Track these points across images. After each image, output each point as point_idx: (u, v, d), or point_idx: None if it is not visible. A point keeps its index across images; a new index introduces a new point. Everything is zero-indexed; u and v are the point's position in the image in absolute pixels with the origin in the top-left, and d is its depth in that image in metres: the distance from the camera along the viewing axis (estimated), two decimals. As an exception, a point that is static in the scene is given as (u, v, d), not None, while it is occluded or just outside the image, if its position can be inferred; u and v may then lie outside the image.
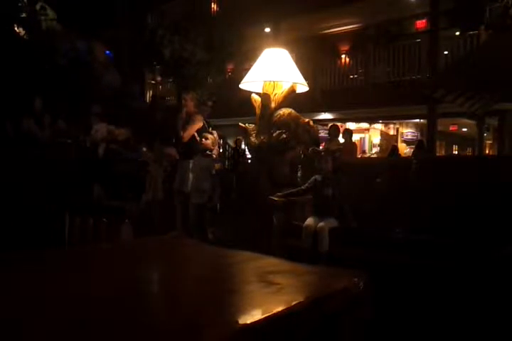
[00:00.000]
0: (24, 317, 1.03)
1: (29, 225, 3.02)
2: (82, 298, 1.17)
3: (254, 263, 1.52)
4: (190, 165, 5.06)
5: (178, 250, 1.83)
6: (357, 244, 2.84)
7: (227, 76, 12.22)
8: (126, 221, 2.68)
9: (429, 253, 2.64)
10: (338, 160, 3.28)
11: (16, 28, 10.23)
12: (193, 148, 5.19)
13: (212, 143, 5.01)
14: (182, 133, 5.32)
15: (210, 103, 10.34)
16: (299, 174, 3.72)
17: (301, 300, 1.11)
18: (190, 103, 5.58)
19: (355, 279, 1.28)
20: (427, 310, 2.46)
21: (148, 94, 14.97)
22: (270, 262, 1.56)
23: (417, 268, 2.60)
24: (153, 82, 14.83)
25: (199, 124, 5.46)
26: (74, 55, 9.85)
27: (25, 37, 10.33)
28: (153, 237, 2.17)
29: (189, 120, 5.42)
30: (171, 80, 12.39)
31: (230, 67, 12.76)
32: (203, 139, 4.86)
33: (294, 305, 1.06)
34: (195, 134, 5.34)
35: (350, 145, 8.57)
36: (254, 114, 4.02)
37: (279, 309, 1.02)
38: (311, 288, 1.29)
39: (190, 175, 4.99)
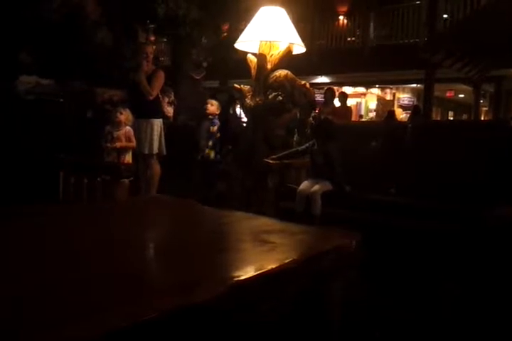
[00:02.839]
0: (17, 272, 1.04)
1: (23, 183, 3.02)
2: (71, 254, 1.18)
3: (247, 223, 1.54)
4: (151, 125, 4.71)
5: (169, 210, 1.84)
6: (349, 206, 2.87)
7: (222, 36, 11.96)
8: (122, 180, 2.67)
9: (419, 215, 2.68)
10: (331, 127, 3.26)
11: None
12: (158, 108, 4.93)
13: (217, 108, 5.40)
14: (149, 89, 4.81)
15: (205, 64, 10.17)
16: (295, 137, 3.70)
17: (294, 258, 1.12)
18: (150, 56, 5.11)
19: (348, 239, 1.30)
20: (415, 272, 2.51)
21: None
22: (264, 222, 1.57)
23: (405, 230, 2.65)
24: (146, 41, 14.49)
25: (162, 80, 5.08)
26: (66, 10, 9.55)
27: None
28: (144, 197, 2.17)
29: (151, 75, 4.95)
30: (165, 40, 12.12)
31: (225, 26, 12.46)
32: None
33: (287, 262, 1.06)
34: (159, 92, 5.02)
35: (344, 109, 8.51)
36: (250, 75, 3.96)
37: (273, 266, 1.03)
38: (304, 247, 1.30)
39: (155, 137, 4.71)
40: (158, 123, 4.76)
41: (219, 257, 1.18)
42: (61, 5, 9.46)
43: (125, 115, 4.34)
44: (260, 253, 1.19)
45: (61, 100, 5.45)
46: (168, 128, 6.19)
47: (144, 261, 1.19)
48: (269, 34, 3.69)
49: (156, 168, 4.73)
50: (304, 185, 3.06)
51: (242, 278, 0.96)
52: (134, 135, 4.45)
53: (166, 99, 6.25)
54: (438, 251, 2.53)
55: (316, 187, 2.97)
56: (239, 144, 4.10)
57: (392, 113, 11.51)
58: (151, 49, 5.27)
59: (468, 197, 2.70)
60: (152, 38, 13.27)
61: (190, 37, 9.75)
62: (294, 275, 1.07)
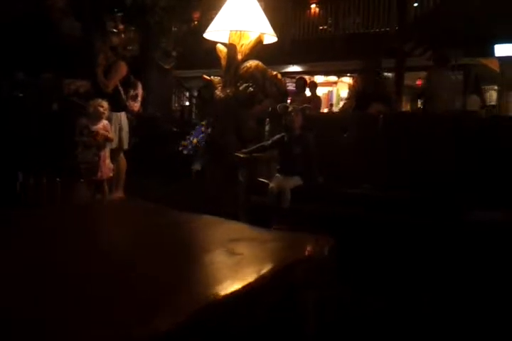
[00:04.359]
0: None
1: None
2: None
3: (214, 230, 1.44)
4: (115, 119, 4.45)
5: (129, 215, 1.73)
6: (318, 200, 2.82)
7: (192, 25, 11.73)
8: (81, 181, 2.53)
9: (386, 207, 2.64)
10: (306, 118, 3.18)
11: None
12: (118, 101, 4.57)
13: None
14: (105, 81, 4.51)
15: (174, 53, 9.95)
16: (266, 129, 3.61)
17: (264, 272, 1.03)
18: (106, 48, 4.87)
19: (321, 245, 1.21)
20: (385, 265, 2.48)
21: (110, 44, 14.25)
22: (232, 228, 1.47)
23: (372, 222, 2.61)
24: (114, 30, 14.11)
25: (123, 72, 4.76)
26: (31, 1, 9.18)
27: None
28: (102, 200, 2.06)
29: (111, 67, 4.67)
30: (133, 28, 11.82)
31: (196, 15, 12.22)
32: None
33: (257, 278, 0.98)
34: (119, 85, 4.69)
35: (314, 98, 8.47)
36: (218, 64, 3.84)
37: (240, 284, 0.94)
38: (274, 258, 1.19)
39: (121, 131, 4.48)
40: (120, 117, 4.55)
41: (181, 274, 1.06)
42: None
43: (105, 107, 4.09)
44: (227, 267, 1.10)
45: (20, 95, 5.19)
46: (136, 121, 6.02)
47: (95, 279, 1.06)
48: (240, 23, 3.57)
49: (123, 163, 4.56)
50: (275, 179, 2.99)
51: (209, 299, 0.87)
52: None
53: (131, 92, 5.96)
54: (412, 245, 2.50)
55: (287, 181, 2.91)
56: (209, 137, 4.00)
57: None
58: (115, 39, 5.02)
59: (442, 190, 2.67)
60: (121, 27, 12.95)
61: (160, 25, 9.52)
62: (264, 291, 0.99)
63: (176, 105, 12.96)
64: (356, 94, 6.77)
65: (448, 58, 7.06)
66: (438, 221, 2.40)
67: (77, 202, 2.34)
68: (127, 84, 5.15)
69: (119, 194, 4.39)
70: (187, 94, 12.57)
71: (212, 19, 3.86)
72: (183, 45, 10.33)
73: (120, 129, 4.50)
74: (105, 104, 4.09)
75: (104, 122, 4.06)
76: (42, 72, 8.00)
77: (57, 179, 2.44)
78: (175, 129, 9.34)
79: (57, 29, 9.28)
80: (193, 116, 11.94)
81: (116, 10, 10.91)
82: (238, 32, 3.73)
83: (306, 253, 1.17)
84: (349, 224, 2.50)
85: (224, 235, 1.37)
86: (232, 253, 1.16)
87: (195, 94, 13.08)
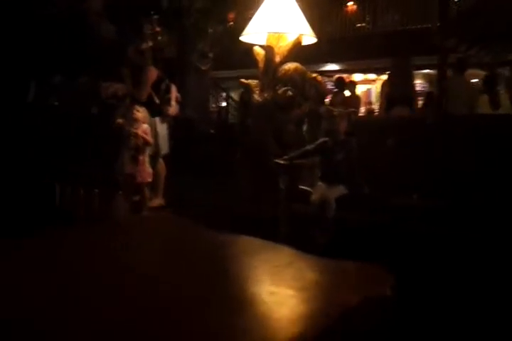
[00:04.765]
0: None
1: (20, 195, 2.86)
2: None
3: (260, 256, 1.32)
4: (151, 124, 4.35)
5: (166, 233, 1.63)
6: (365, 210, 2.67)
7: (228, 25, 11.68)
8: (120, 192, 2.48)
9: (442, 220, 2.47)
10: (351, 123, 3.04)
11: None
12: (151, 106, 4.41)
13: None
14: (136, 92, 4.37)
15: (211, 55, 9.93)
16: (304, 128, 3.49)
17: (319, 315, 0.91)
18: (137, 52, 4.67)
19: (382, 286, 1.04)
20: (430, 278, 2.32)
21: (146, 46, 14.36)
22: (279, 254, 1.35)
23: (425, 235, 2.44)
24: (151, 32, 14.23)
25: (152, 77, 4.61)
26: (67, 4, 9.34)
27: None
28: (140, 209, 1.99)
29: (140, 73, 4.53)
30: (169, 31, 11.89)
31: (231, 15, 12.18)
32: None
33: (302, 332, 0.85)
34: (151, 90, 4.51)
35: (354, 98, 8.29)
36: (254, 66, 3.75)
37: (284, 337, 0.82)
38: (327, 302, 1.02)
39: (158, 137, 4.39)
40: (155, 123, 4.50)
41: (213, 322, 0.91)
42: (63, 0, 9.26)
43: (142, 113, 4.08)
44: (277, 307, 0.97)
45: (55, 103, 5.22)
46: (173, 124, 5.98)
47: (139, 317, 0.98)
48: (278, 25, 3.46)
49: (161, 169, 4.51)
50: (318, 188, 2.87)
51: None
52: None
53: (166, 96, 5.91)
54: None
55: (331, 191, 2.78)
56: (245, 142, 3.90)
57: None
58: (151, 42, 4.95)
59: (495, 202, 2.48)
60: (157, 29, 13.03)
61: (196, 27, 9.51)
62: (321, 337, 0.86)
63: (213, 106, 12.93)
64: (385, 96, 6.59)
65: (466, 64, 6.87)
66: (498, 234, 2.23)
67: (114, 215, 2.29)
68: (161, 88, 5.09)
69: (158, 200, 4.35)
70: (224, 94, 12.55)
71: (248, 19, 3.77)
72: (220, 45, 10.30)
73: (156, 135, 4.46)
74: (142, 109, 4.07)
75: (144, 126, 4.04)
76: (79, 76, 8.13)
77: (95, 190, 2.40)
78: (212, 131, 9.32)
79: (94, 32, 9.42)
80: (230, 117, 11.94)
81: (152, 13, 11.01)
82: (276, 34, 3.62)
83: (366, 296, 1.02)
84: (398, 237, 2.35)
85: (270, 262, 1.25)
86: (272, 292, 1.04)
87: (232, 95, 13.06)
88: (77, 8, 8.83)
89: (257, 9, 3.66)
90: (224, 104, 12.62)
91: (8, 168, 2.96)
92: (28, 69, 8.32)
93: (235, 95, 13.57)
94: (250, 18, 3.73)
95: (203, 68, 9.84)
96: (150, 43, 5.12)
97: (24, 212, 2.67)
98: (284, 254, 1.37)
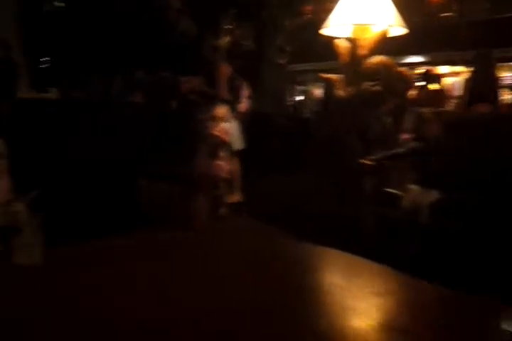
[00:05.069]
0: None
1: (102, 191, 2.88)
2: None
3: (354, 280, 1.17)
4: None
5: (248, 239, 1.54)
6: (462, 218, 2.41)
7: (306, 17, 11.46)
8: (199, 190, 2.42)
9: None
10: (442, 124, 2.78)
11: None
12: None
13: None
14: (212, 92, 4.35)
15: (288, 48, 9.80)
16: (393, 131, 3.25)
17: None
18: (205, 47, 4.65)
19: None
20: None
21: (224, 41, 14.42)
22: (373, 274, 1.19)
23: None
24: (228, 27, 14.29)
25: (226, 73, 4.53)
26: (149, 1, 9.55)
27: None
28: (219, 214, 1.89)
29: (215, 71, 4.50)
30: (247, 25, 11.87)
31: (309, 8, 11.95)
32: None
33: None
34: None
35: (439, 92, 7.83)
36: (334, 59, 3.56)
37: None
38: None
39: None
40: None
41: None
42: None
43: (222, 111, 3.97)
44: None
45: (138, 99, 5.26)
46: (249, 118, 5.88)
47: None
48: (364, 16, 3.25)
49: (236, 164, 4.43)
50: (410, 192, 2.64)
51: None
52: None
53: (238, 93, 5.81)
54: None
55: (424, 195, 2.55)
56: (325, 139, 3.72)
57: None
58: (228, 36, 4.85)
59: None
60: (234, 24, 13.07)
61: (273, 20, 9.40)
62: None
63: (290, 100, 12.81)
64: (467, 90, 6.09)
65: (492, 58, 6.18)
66: None
67: (194, 214, 2.22)
68: (233, 84, 4.99)
69: (235, 196, 4.28)
70: (300, 88, 12.40)
71: (326, 11, 3.59)
72: (297, 38, 10.14)
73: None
74: (223, 107, 3.96)
75: (224, 125, 3.94)
76: (160, 71, 8.27)
77: (176, 187, 2.35)
78: (288, 125, 9.20)
79: (174, 28, 9.57)
80: (306, 111, 11.76)
81: (230, 7, 11.02)
82: (361, 25, 3.41)
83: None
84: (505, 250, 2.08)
85: (368, 291, 1.09)
86: (386, 323, 0.89)
87: (308, 88, 12.88)
88: (157, 4, 8.99)
89: (336, 1, 3.47)
90: (300, 97, 12.48)
91: (93, 166, 3.01)
92: (111, 66, 8.60)
93: (311, 89, 13.38)
94: (329, 10, 3.55)
95: (280, 62, 9.73)
96: (227, 39, 5.03)
97: (106, 211, 2.69)
98: (381, 277, 1.20)
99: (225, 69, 4.51)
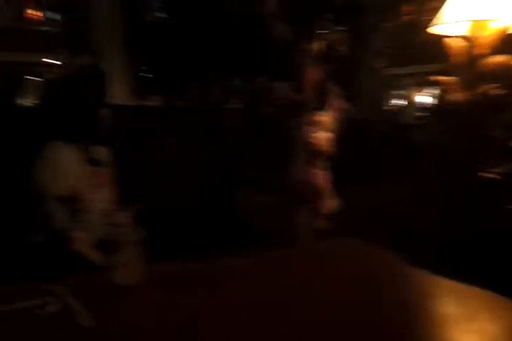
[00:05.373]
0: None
1: (196, 198, 2.84)
2: None
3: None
4: None
5: (355, 261, 1.39)
6: None
7: (404, 19, 10.96)
8: (299, 203, 2.26)
9: None
10: None
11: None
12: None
13: None
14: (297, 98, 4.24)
15: (386, 51, 9.40)
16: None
17: None
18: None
19: None
20: None
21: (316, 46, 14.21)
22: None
23: None
24: (323, 32, 14.08)
25: (314, 77, 4.35)
26: (245, 8, 9.64)
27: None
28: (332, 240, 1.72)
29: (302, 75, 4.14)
30: (343, 29, 11.62)
31: (408, 8, 11.42)
32: None
33: None
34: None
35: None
36: (438, 60, 3.26)
37: None
38: None
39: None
40: None
41: None
42: (240, 3, 9.59)
43: (325, 118, 3.73)
44: None
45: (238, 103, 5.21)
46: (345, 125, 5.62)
47: None
48: (483, 11, 2.92)
49: (328, 173, 4.16)
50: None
51: None
52: None
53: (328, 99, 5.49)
54: None
55: None
56: (434, 150, 3.41)
57: None
58: (322, 41, 4.63)
59: None
60: (329, 28, 12.89)
61: (371, 23, 9.06)
62: None
63: (388, 105, 12.30)
64: None
65: None
66: None
67: (294, 226, 2.08)
68: (322, 90, 4.72)
69: (330, 204, 4.07)
70: (398, 93, 11.87)
71: (427, 11, 3.31)
72: (395, 41, 9.70)
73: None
74: (328, 114, 3.72)
75: (324, 133, 3.71)
76: (255, 78, 8.27)
77: (274, 198, 2.21)
78: (387, 131, 8.80)
79: (269, 34, 9.56)
80: (406, 117, 11.20)
81: (326, 11, 10.83)
82: (479, 22, 3.08)
83: None
84: None
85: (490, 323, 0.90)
86: None
87: (407, 93, 12.30)
88: (253, 10, 9.03)
89: (439, 0, 3.18)
90: (398, 102, 11.95)
91: (191, 172, 2.98)
92: (209, 72, 8.76)
93: (411, 93, 12.78)
94: (432, 10, 3.27)
95: (377, 66, 9.35)
96: (320, 43, 4.83)
97: (203, 221, 2.62)
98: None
99: (313, 74, 4.29)
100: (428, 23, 3.25)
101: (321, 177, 3.86)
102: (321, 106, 4.10)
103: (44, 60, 9.20)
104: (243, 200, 2.46)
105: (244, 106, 6.16)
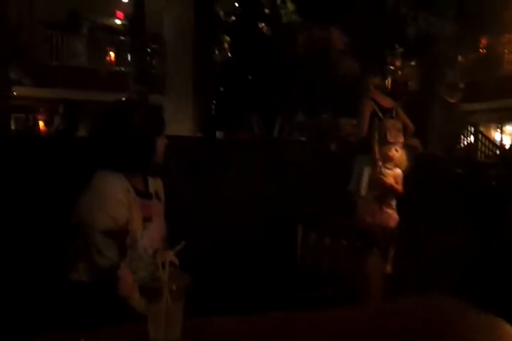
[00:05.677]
0: None
1: (257, 233, 2.63)
2: None
3: None
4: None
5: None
6: None
7: (481, 52, 10.48)
8: (374, 249, 1.98)
9: None
10: None
11: (259, 24, 10.54)
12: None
13: None
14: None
15: (461, 85, 8.99)
16: None
17: None
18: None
19: None
20: None
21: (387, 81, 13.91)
22: None
23: None
24: (391, 67, 13.76)
25: (369, 106, 3.86)
26: (311, 44, 9.64)
27: (266, 32, 10.57)
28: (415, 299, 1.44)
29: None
30: (412, 63, 11.27)
31: (484, 41, 10.95)
32: None
33: None
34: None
35: None
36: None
37: None
38: None
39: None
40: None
41: None
42: (307, 40, 9.59)
43: (400, 154, 3.40)
44: None
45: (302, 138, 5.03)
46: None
47: None
48: None
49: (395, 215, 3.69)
50: None
51: None
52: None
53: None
54: None
55: None
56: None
57: None
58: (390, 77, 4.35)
59: None
60: (398, 64, 12.59)
61: (445, 56, 8.71)
62: None
63: (464, 143, 11.65)
64: None
65: None
66: None
67: (367, 276, 1.81)
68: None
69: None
70: (472, 129, 11.22)
71: (505, 44, 2.99)
72: (471, 75, 9.26)
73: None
74: (402, 151, 3.38)
75: (397, 171, 3.38)
76: (320, 113, 8.12)
77: (343, 241, 1.96)
78: (459, 171, 8.26)
79: (336, 70, 9.44)
80: (479, 156, 10.52)
81: (396, 46, 10.59)
82: None
83: None
84: None
85: None
86: None
87: (482, 129, 11.59)
88: (320, 47, 9.00)
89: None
90: (472, 140, 11.26)
91: (251, 208, 2.79)
92: (274, 107, 8.71)
93: (485, 130, 12.06)
94: (508, 43, 2.94)
95: (451, 101, 8.91)
96: (388, 78, 4.59)
97: (259, 265, 2.39)
98: None
99: (370, 107, 4.01)
100: (507, 56, 2.95)
101: (394, 217, 3.55)
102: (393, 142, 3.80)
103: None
104: (306, 243, 2.22)
105: (308, 141, 5.98)
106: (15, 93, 9.46)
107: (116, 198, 1.57)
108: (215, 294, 2.17)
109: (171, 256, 1.27)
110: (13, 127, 10.38)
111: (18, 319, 1.91)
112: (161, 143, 1.69)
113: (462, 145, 11.44)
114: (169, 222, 1.78)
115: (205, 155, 3.08)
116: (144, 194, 1.69)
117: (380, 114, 3.92)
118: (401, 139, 3.49)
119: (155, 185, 1.77)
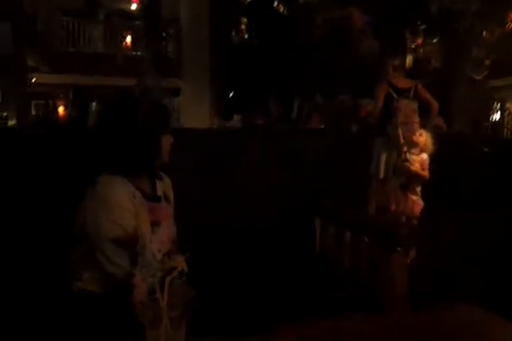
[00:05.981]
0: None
1: (274, 226, 2.53)
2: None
3: None
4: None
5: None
6: None
7: (508, 27, 10.04)
8: (398, 249, 1.87)
9: None
10: None
11: (275, 5, 10.28)
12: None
13: None
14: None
15: (487, 62, 8.64)
16: None
17: None
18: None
19: None
20: None
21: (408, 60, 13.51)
22: None
23: None
24: (413, 45, 13.32)
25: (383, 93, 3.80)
26: (329, 25, 9.36)
27: (284, 13, 10.31)
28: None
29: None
30: (434, 41, 10.88)
31: (510, 15, 10.49)
32: None
33: None
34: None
35: None
36: None
37: None
38: None
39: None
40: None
41: None
42: (325, 20, 9.31)
43: (425, 138, 3.31)
44: None
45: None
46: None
47: None
48: None
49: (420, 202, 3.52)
50: None
51: None
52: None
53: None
54: None
55: None
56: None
57: None
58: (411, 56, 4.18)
59: None
60: (419, 42, 12.15)
61: (470, 32, 8.36)
62: None
63: (490, 120, 11.28)
64: None
65: None
66: None
67: (388, 275, 1.71)
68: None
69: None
70: (498, 106, 10.85)
71: None
72: (497, 51, 8.88)
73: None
74: (426, 134, 3.27)
75: (424, 156, 3.26)
76: (339, 94, 7.91)
77: (365, 238, 1.86)
78: (486, 149, 8.00)
79: (355, 50, 9.17)
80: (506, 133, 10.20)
81: (418, 23, 10.21)
82: None
83: None
84: None
85: None
86: None
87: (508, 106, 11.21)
88: (339, 27, 8.72)
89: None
90: (498, 117, 10.90)
91: (268, 200, 2.69)
92: (292, 88, 8.54)
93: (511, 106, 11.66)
94: None
95: (477, 77, 8.58)
96: (410, 57, 4.40)
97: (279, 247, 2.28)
98: None
99: (385, 90, 3.87)
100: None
101: (416, 204, 3.42)
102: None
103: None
104: (324, 238, 2.13)
105: (326, 124, 5.83)
106: (33, 80, 9.51)
107: (122, 205, 1.48)
108: (231, 288, 2.10)
109: (181, 262, 1.20)
110: (33, 113, 10.57)
111: (18, 329, 1.87)
112: (166, 142, 1.58)
113: (488, 122, 11.09)
114: (182, 218, 1.70)
115: (219, 147, 2.99)
116: (152, 197, 1.60)
117: (395, 95, 3.80)
118: (416, 119, 3.37)
119: (163, 185, 1.68)
